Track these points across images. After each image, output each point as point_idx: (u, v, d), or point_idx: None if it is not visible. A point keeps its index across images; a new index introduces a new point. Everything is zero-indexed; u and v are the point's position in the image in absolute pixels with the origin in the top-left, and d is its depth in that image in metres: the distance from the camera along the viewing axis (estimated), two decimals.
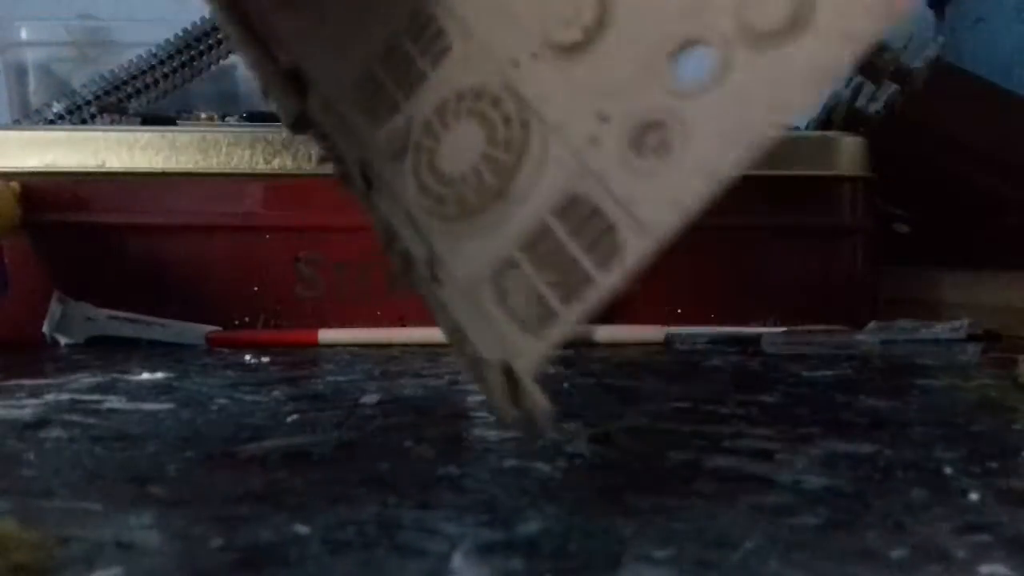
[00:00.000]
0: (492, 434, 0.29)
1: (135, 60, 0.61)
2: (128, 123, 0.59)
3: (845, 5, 0.16)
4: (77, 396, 0.35)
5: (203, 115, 0.63)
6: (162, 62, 0.60)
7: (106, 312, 0.54)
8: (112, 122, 0.60)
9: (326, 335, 0.55)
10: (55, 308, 0.53)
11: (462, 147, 0.19)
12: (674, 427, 0.31)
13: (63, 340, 0.53)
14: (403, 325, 0.57)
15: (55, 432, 0.29)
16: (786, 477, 0.24)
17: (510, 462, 0.26)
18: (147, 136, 0.54)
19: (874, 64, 0.58)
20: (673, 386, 0.39)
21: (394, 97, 0.20)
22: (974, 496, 0.22)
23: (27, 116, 0.65)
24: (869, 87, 0.60)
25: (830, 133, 0.60)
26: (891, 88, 0.59)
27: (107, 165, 0.53)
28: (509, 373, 0.18)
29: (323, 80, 0.22)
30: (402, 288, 0.16)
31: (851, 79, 0.61)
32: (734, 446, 0.27)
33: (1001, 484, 0.23)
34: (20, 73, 0.73)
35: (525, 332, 0.18)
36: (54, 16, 0.74)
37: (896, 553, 0.18)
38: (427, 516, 0.21)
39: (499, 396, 0.19)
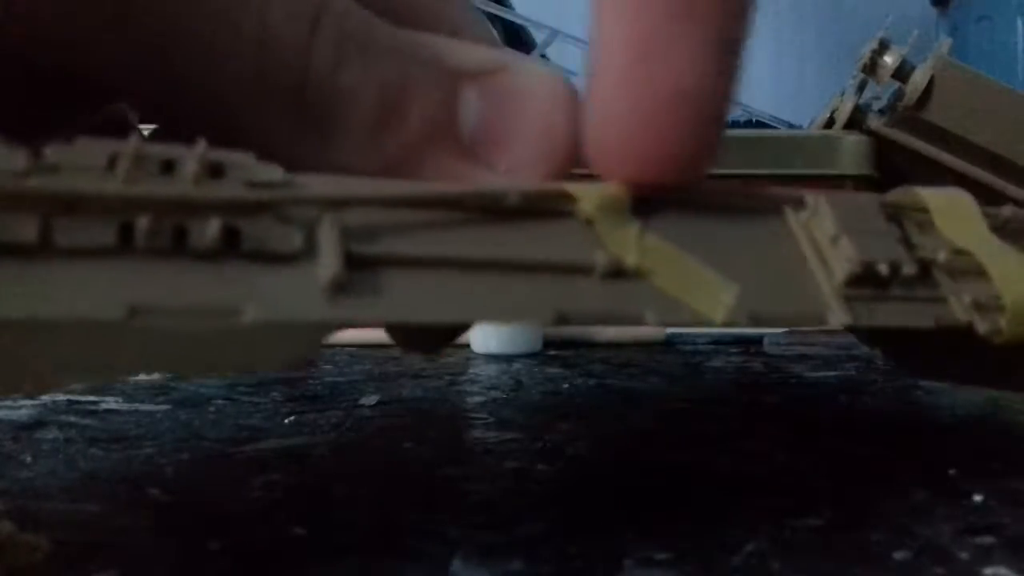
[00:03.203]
0: (492, 435, 0.29)
1: None
2: None
3: None
4: (73, 397, 0.35)
5: None
6: None
7: None
8: None
9: None
10: None
11: None
12: (675, 428, 0.30)
13: None
14: None
15: (51, 433, 0.29)
16: (788, 478, 0.23)
17: (510, 463, 0.25)
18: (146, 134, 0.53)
19: (877, 63, 0.58)
20: (674, 387, 0.38)
21: None
22: (978, 498, 0.22)
23: None
24: (873, 86, 0.60)
25: (833, 132, 0.59)
26: (894, 86, 0.59)
27: None
28: None
29: None
30: None
31: (855, 77, 0.61)
32: (736, 447, 0.27)
33: (1005, 485, 0.23)
34: None
35: None
36: None
37: (899, 555, 0.18)
38: (426, 518, 0.20)
39: None
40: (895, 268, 0.16)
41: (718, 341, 0.53)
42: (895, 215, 0.17)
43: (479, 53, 0.17)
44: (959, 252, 0.17)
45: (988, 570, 0.17)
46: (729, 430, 0.30)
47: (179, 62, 0.15)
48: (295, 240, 0.12)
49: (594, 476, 0.25)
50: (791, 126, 0.89)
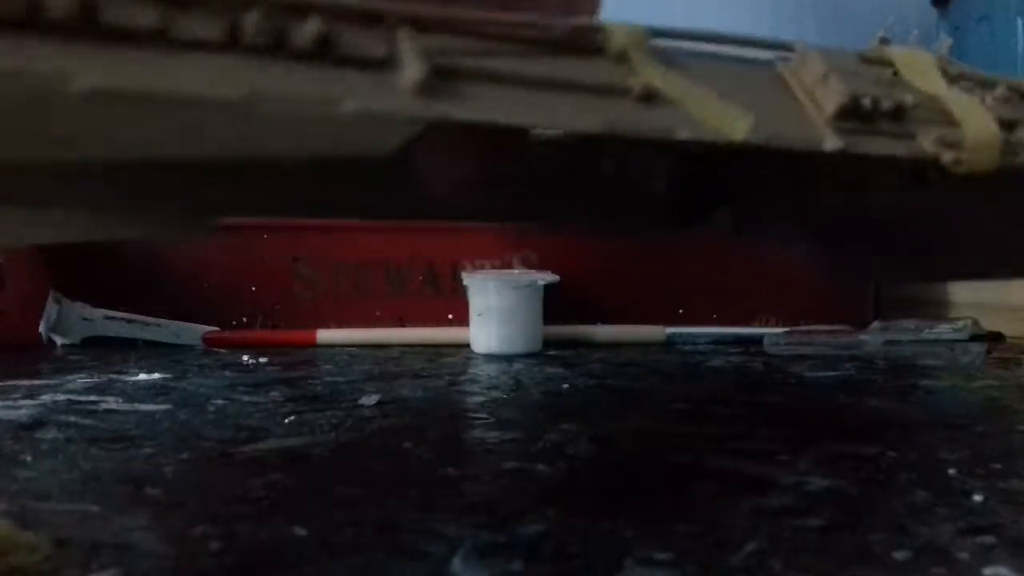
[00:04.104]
0: (492, 435, 0.29)
1: None
2: None
3: None
4: (74, 397, 0.35)
5: None
6: None
7: (102, 312, 0.54)
8: None
9: (324, 335, 0.55)
10: (51, 308, 0.53)
11: None
12: (675, 428, 0.30)
13: (59, 340, 0.53)
14: (402, 325, 0.57)
15: (51, 433, 0.29)
16: (788, 479, 0.23)
17: (510, 463, 0.25)
18: None
19: None
20: (674, 387, 0.38)
21: None
22: (978, 498, 0.22)
23: None
24: None
25: None
26: None
27: None
28: None
29: None
30: None
31: None
32: (736, 447, 0.27)
33: (1005, 486, 0.23)
34: None
35: None
36: None
37: (899, 555, 0.18)
38: (426, 518, 0.20)
39: None
40: (876, 103, 0.19)
41: (718, 341, 0.53)
42: (869, 64, 0.20)
43: None
44: (924, 98, 0.20)
45: (988, 570, 0.17)
46: (729, 430, 0.30)
47: None
48: (382, 48, 0.14)
49: (594, 476, 0.25)
50: None
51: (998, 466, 0.24)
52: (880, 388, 0.37)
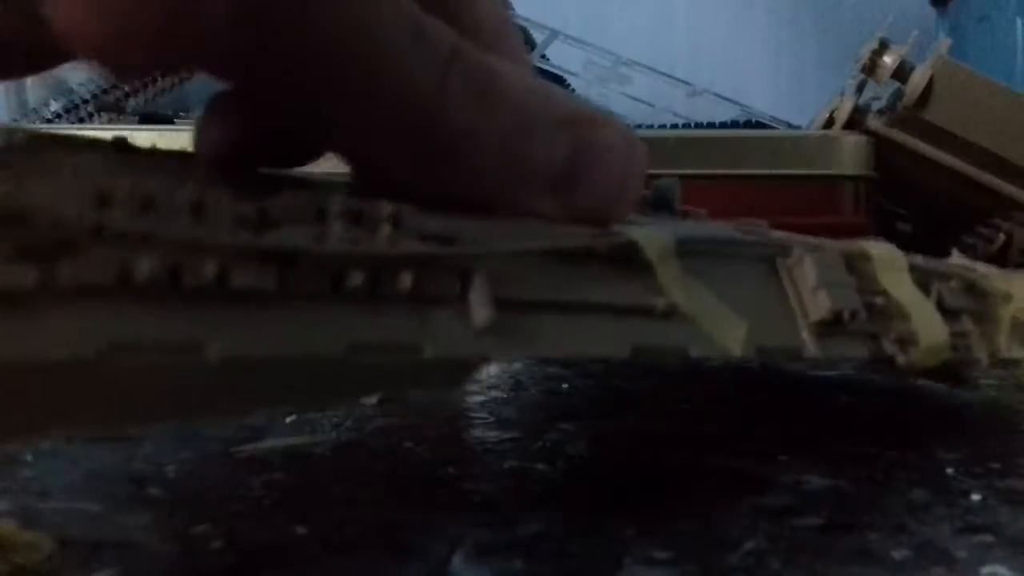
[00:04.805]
0: (492, 435, 0.29)
1: None
2: (126, 122, 0.59)
3: None
4: None
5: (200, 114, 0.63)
6: None
7: None
8: (110, 121, 0.60)
9: None
10: None
11: None
12: (674, 428, 0.30)
13: None
14: None
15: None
16: (787, 478, 0.23)
17: (510, 463, 0.25)
18: (144, 135, 0.53)
19: (877, 63, 0.58)
20: (673, 386, 0.38)
21: None
22: (976, 497, 0.22)
23: (24, 115, 0.65)
24: (873, 86, 0.60)
25: (832, 132, 0.59)
26: (894, 86, 0.59)
27: None
28: None
29: None
30: None
31: (855, 77, 0.61)
32: (735, 447, 0.27)
33: (1003, 485, 0.23)
34: None
35: None
36: None
37: (898, 554, 0.18)
38: (427, 517, 0.20)
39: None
40: (853, 314, 0.20)
41: None
42: (850, 263, 0.22)
43: (572, 104, 0.18)
44: (889, 297, 0.22)
45: (986, 569, 0.17)
46: (729, 430, 0.30)
47: (334, 98, 0.16)
48: (456, 287, 0.15)
49: (594, 476, 0.25)
50: (791, 126, 0.89)
51: (997, 466, 0.24)
52: (880, 388, 0.37)
